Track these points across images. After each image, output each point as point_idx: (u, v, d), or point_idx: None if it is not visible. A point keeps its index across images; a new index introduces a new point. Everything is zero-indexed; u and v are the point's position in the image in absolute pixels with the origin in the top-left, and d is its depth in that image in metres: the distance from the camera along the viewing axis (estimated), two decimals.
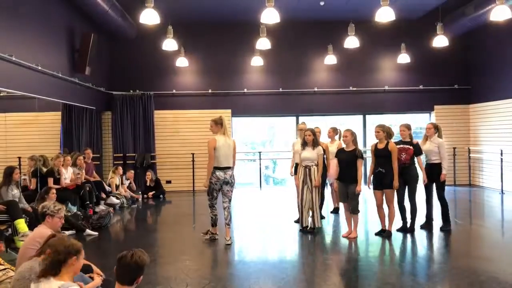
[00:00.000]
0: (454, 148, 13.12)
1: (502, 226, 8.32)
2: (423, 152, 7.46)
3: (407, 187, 7.25)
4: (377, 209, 7.22)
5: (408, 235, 7.15)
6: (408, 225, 7.31)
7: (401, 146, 7.21)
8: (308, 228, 7.40)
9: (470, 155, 13.09)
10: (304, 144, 7.42)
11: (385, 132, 7.07)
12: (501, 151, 11.44)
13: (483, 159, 12.72)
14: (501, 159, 11.44)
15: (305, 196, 7.35)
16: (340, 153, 7.18)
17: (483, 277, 5.11)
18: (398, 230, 7.27)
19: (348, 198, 7.01)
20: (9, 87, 7.51)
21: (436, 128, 7.51)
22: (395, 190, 7.10)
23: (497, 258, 5.99)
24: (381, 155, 7.05)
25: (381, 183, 7.04)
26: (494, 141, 12.07)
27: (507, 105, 11.48)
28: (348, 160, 6.96)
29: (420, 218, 7.57)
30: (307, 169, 7.32)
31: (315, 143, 7.39)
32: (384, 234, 7.07)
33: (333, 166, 8.36)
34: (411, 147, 7.21)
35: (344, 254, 6.45)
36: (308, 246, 6.88)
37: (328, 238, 7.33)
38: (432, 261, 6.00)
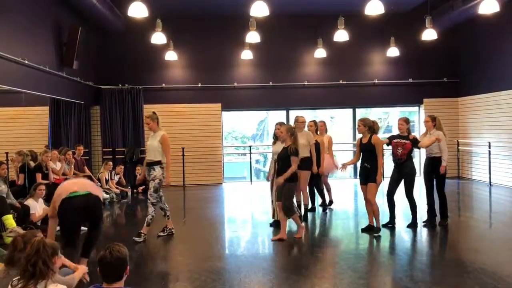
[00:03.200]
0: None
1: (490, 218, 8.41)
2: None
3: (404, 183, 7.07)
4: (365, 204, 7.12)
5: (396, 228, 7.15)
6: (410, 220, 7.18)
7: (398, 140, 7.03)
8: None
9: (459, 147, 13.20)
10: (276, 138, 7.21)
11: (367, 126, 6.81)
12: (489, 143, 11.55)
13: (472, 151, 12.83)
14: (489, 151, 11.54)
15: (275, 191, 7.05)
16: (281, 150, 6.69)
17: (471, 268, 5.17)
18: (383, 226, 7.08)
19: (282, 197, 6.54)
20: None
21: (434, 120, 7.28)
22: (393, 185, 6.98)
23: (485, 249, 6.06)
24: (365, 150, 6.85)
25: (366, 177, 6.83)
26: (483, 133, 12.18)
27: (495, 98, 11.58)
28: (284, 157, 6.53)
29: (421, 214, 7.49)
30: (277, 163, 6.92)
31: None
32: (374, 231, 6.82)
33: (327, 160, 8.38)
34: (408, 142, 6.99)
35: (334, 247, 6.48)
36: (299, 240, 6.89)
37: (317, 232, 7.36)
38: (420, 253, 6.06)
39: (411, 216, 7.20)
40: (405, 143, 6.97)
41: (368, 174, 6.79)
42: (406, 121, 7.18)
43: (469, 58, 12.80)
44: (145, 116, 6.82)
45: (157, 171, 6.68)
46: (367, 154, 6.81)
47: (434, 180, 7.35)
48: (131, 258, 3.01)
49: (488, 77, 11.88)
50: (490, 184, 11.42)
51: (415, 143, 7.03)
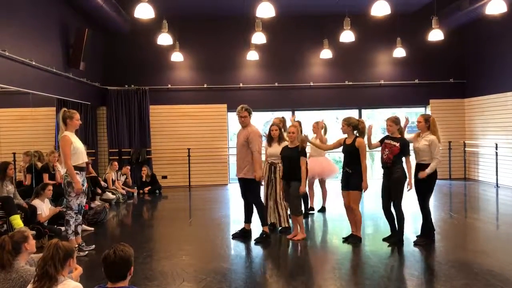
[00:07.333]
0: (450, 142, 13.16)
1: (496, 219, 8.36)
2: (410, 152, 6.33)
3: (390, 190, 6.24)
4: (346, 211, 6.55)
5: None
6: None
7: (388, 141, 6.29)
8: (278, 228, 7.10)
9: (466, 149, 13.13)
10: (270, 140, 7.10)
11: (351, 125, 6.33)
12: (496, 144, 11.48)
13: (479, 153, 12.77)
14: (496, 152, 11.48)
15: (270, 194, 7.04)
16: (284, 149, 6.66)
17: (478, 269, 5.14)
18: (384, 240, 6.47)
19: (290, 197, 6.56)
20: (3, 82, 7.46)
21: (427, 121, 6.28)
22: (386, 196, 6.30)
23: (491, 251, 6.02)
24: (347, 152, 6.34)
25: (347, 183, 6.32)
26: (489, 135, 12.12)
27: (502, 99, 11.52)
28: (291, 157, 6.47)
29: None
30: (273, 166, 6.98)
31: (281, 139, 7.04)
32: (350, 239, 6.38)
33: (323, 163, 8.30)
34: (397, 144, 6.17)
35: (339, 249, 6.45)
36: (305, 240, 6.87)
37: (321, 233, 7.34)
38: (427, 254, 6.02)
39: (397, 231, 6.31)
40: (393, 146, 6.20)
41: (349, 180, 6.31)
42: (395, 121, 6.32)
43: (476, 58, 12.74)
44: (77, 113, 6.20)
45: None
46: (349, 157, 6.29)
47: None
48: (136, 259, 3.01)
49: (495, 78, 11.82)
50: (497, 185, 11.35)
51: (404, 147, 6.17)
